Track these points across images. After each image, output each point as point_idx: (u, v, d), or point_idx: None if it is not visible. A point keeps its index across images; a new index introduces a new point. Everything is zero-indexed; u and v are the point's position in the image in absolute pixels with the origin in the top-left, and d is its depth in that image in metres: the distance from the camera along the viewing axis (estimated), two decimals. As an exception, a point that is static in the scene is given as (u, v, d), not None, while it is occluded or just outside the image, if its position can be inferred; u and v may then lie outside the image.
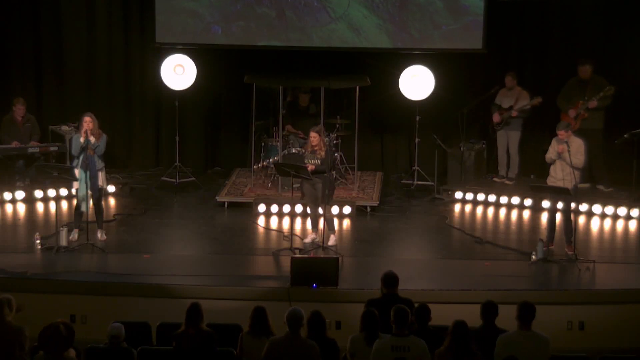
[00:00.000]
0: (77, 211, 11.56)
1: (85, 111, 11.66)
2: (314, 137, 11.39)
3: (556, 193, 11.11)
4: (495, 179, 14.05)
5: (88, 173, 11.24)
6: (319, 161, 11.28)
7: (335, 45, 14.04)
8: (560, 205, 11.17)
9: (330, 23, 13.78)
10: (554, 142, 11.22)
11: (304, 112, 14.13)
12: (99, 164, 11.44)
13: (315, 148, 11.37)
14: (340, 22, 13.75)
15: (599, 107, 13.02)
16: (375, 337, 7.48)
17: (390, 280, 8.58)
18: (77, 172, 11.37)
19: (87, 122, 11.38)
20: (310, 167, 11.23)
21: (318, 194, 11.36)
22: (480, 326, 7.82)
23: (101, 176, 11.50)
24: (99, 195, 11.56)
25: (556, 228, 11.36)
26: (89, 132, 11.26)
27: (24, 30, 14.97)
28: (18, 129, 13.66)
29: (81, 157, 11.26)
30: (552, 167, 11.23)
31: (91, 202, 11.45)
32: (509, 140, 13.85)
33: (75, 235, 11.54)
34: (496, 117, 13.72)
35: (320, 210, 11.43)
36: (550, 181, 11.23)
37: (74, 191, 11.82)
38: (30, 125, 13.78)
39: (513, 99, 13.66)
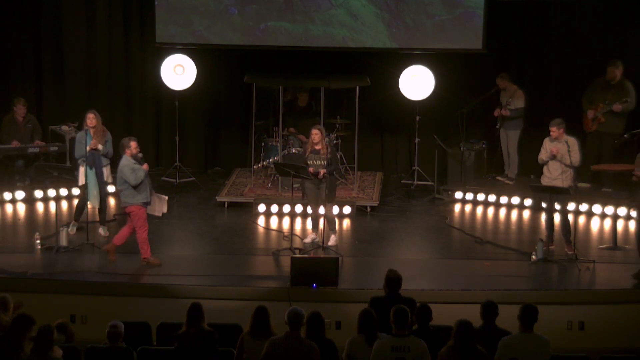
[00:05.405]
0: (80, 204, 11.62)
1: (85, 111, 11.70)
2: (315, 134, 11.36)
3: (556, 193, 11.12)
4: (498, 178, 14.06)
5: (94, 170, 11.35)
6: (323, 162, 11.25)
7: (334, 28, 14.36)
8: (557, 205, 11.18)
9: (330, 9, 14.33)
10: (545, 142, 11.24)
11: (303, 112, 14.15)
12: (104, 161, 11.63)
13: (317, 147, 11.35)
14: (340, 8, 14.30)
15: (622, 112, 12.95)
16: (374, 338, 7.47)
17: (393, 281, 8.56)
18: (82, 169, 11.47)
19: (91, 118, 11.50)
20: (323, 173, 11.19)
21: (322, 194, 11.34)
22: (480, 326, 7.81)
23: (105, 172, 11.70)
24: (105, 191, 11.67)
25: (554, 228, 11.37)
26: (92, 135, 11.34)
27: (24, 30, 14.98)
28: (19, 129, 13.66)
29: (87, 156, 11.37)
30: (545, 167, 11.26)
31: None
32: (508, 139, 13.87)
33: (73, 229, 11.59)
34: (496, 112, 13.73)
35: (321, 210, 11.43)
36: (545, 181, 11.25)
37: (76, 189, 11.87)
38: (31, 126, 13.79)
39: (505, 99, 13.69)
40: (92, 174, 11.40)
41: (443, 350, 7.31)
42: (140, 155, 10.70)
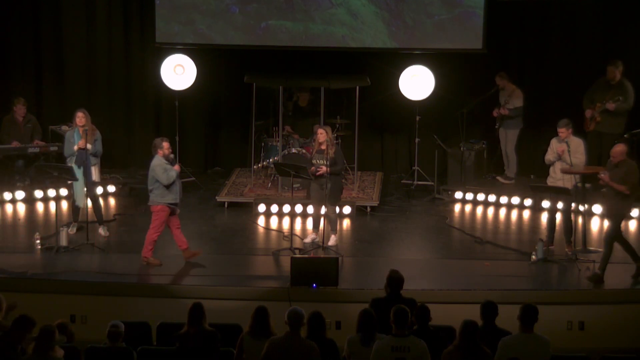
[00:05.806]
0: (74, 204, 11.64)
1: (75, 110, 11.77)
2: (321, 133, 11.33)
3: (556, 193, 11.12)
4: (498, 178, 14.06)
5: (82, 169, 11.34)
6: (327, 162, 11.23)
7: (334, 27, 14.41)
8: (559, 205, 11.18)
9: (331, 8, 14.41)
10: (553, 142, 11.26)
11: (303, 112, 14.15)
12: (93, 160, 11.58)
13: (322, 147, 11.32)
14: (340, 7, 14.39)
15: (616, 111, 12.94)
16: (371, 338, 7.46)
17: (395, 282, 8.55)
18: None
19: (80, 117, 11.53)
20: (322, 171, 11.17)
21: (326, 194, 11.32)
22: (480, 326, 7.81)
23: (94, 171, 11.64)
24: (94, 190, 11.65)
25: (556, 228, 11.37)
26: (82, 134, 11.32)
27: (24, 30, 14.98)
28: (19, 130, 13.66)
29: (76, 155, 11.37)
30: (551, 167, 11.27)
31: (89, 200, 11.56)
32: (506, 138, 13.88)
33: (73, 229, 11.58)
34: (494, 112, 13.74)
35: (322, 210, 11.42)
36: (550, 181, 11.26)
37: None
38: (31, 126, 13.79)
39: (504, 98, 13.70)
40: (80, 172, 11.39)
41: (448, 349, 7.32)
42: (172, 156, 10.74)
